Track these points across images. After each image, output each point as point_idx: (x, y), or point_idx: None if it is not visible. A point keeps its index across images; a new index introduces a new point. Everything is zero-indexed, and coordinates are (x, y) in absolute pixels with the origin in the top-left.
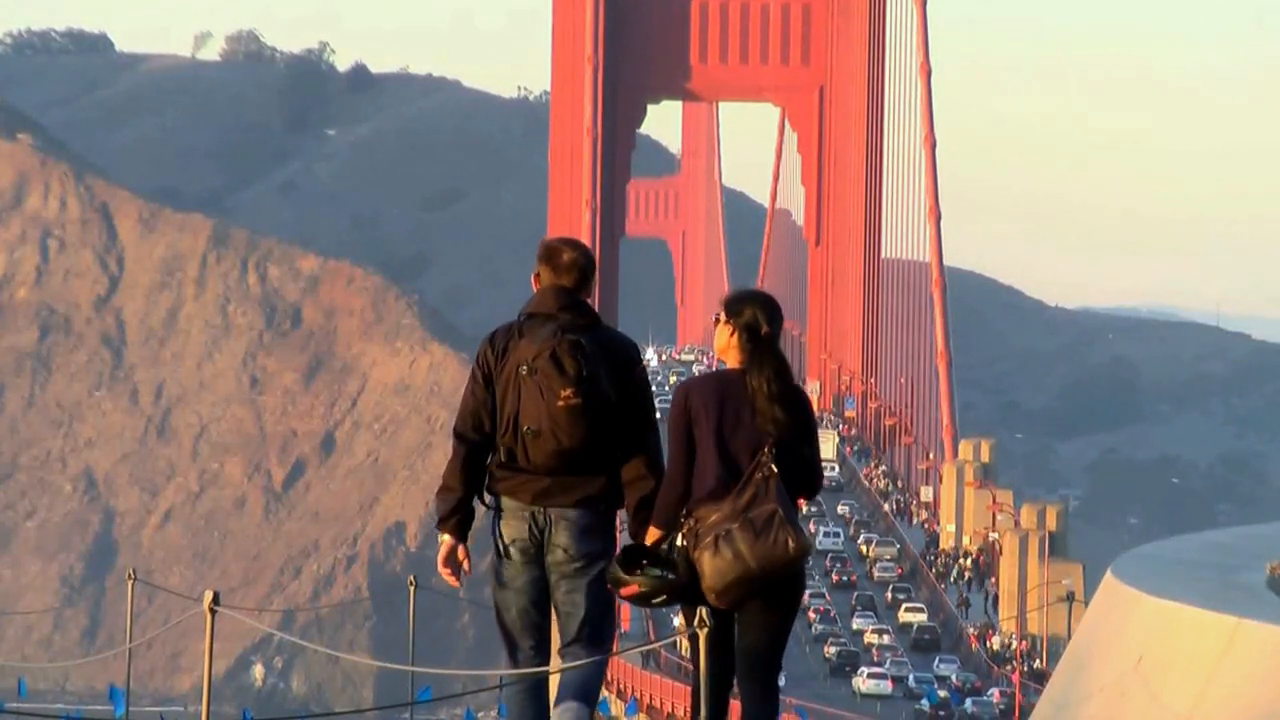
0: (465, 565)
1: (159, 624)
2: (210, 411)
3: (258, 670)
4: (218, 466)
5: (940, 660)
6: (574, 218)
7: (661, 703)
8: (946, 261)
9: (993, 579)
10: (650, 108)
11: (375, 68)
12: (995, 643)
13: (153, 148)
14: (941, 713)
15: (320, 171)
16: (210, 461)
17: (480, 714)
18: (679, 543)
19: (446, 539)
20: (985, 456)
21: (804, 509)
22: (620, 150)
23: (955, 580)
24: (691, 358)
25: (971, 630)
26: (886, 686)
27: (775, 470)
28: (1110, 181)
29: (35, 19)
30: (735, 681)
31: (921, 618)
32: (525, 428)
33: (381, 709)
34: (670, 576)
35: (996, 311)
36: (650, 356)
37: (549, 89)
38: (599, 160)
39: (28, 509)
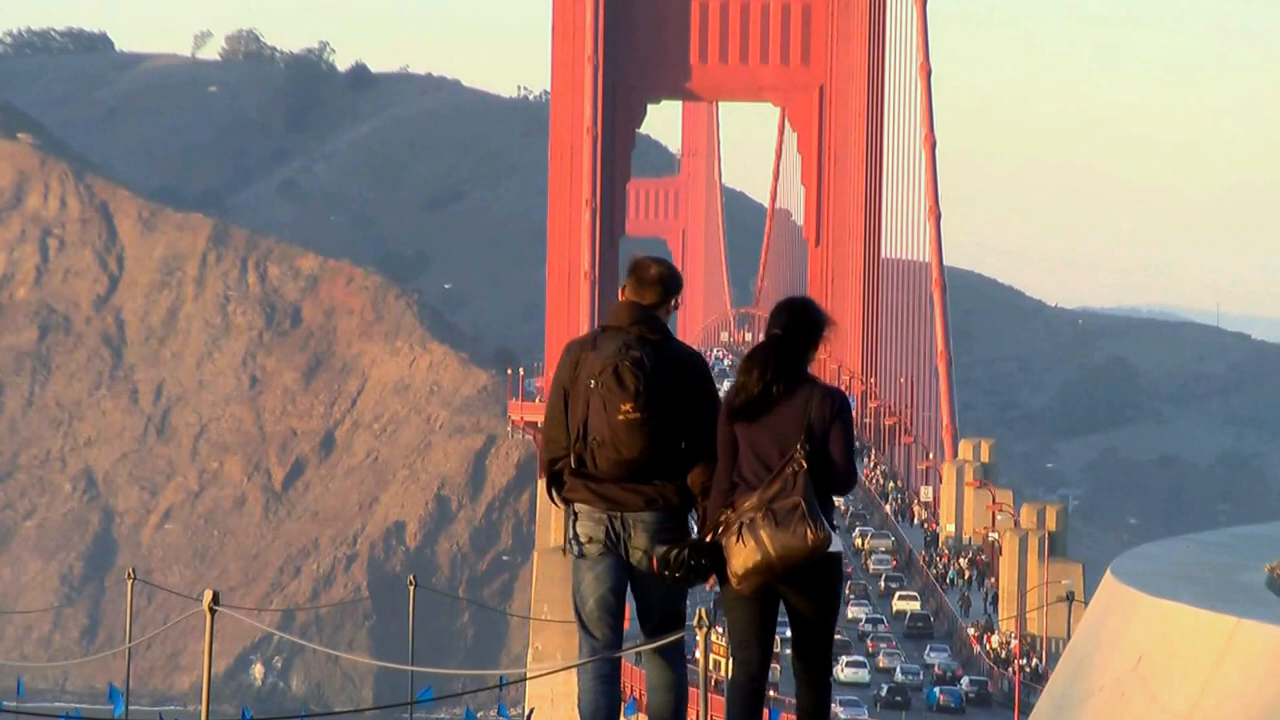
0: None
1: (158, 623)
2: (210, 411)
3: (257, 669)
4: (217, 466)
5: (931, 648)
6: (574, 217)
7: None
8: (946, 261)
9: (991, 579)
10: (650, 108)
11: (375, 68)
12: (994, 641)
13: (153, 148)
14: (898, 698)
15: (320, 171)
16: (210, 461)
17: (480, 714)
18: (719, 534)
19: None
20: (985, 456)
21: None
22: (620, 150)
23: (953, 581)
24: None
25: (972, 631)
26: (865, 675)
27: (805, 465)
28: (1111, 181)
29: (35, 19)
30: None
31: (915, 605)
32: (592, 437)
33: (381, 709)
34: (691, 558)
35: (996, 311)
36: None
37: (549, 89)
38: (599, 160)
39: (27, 508)
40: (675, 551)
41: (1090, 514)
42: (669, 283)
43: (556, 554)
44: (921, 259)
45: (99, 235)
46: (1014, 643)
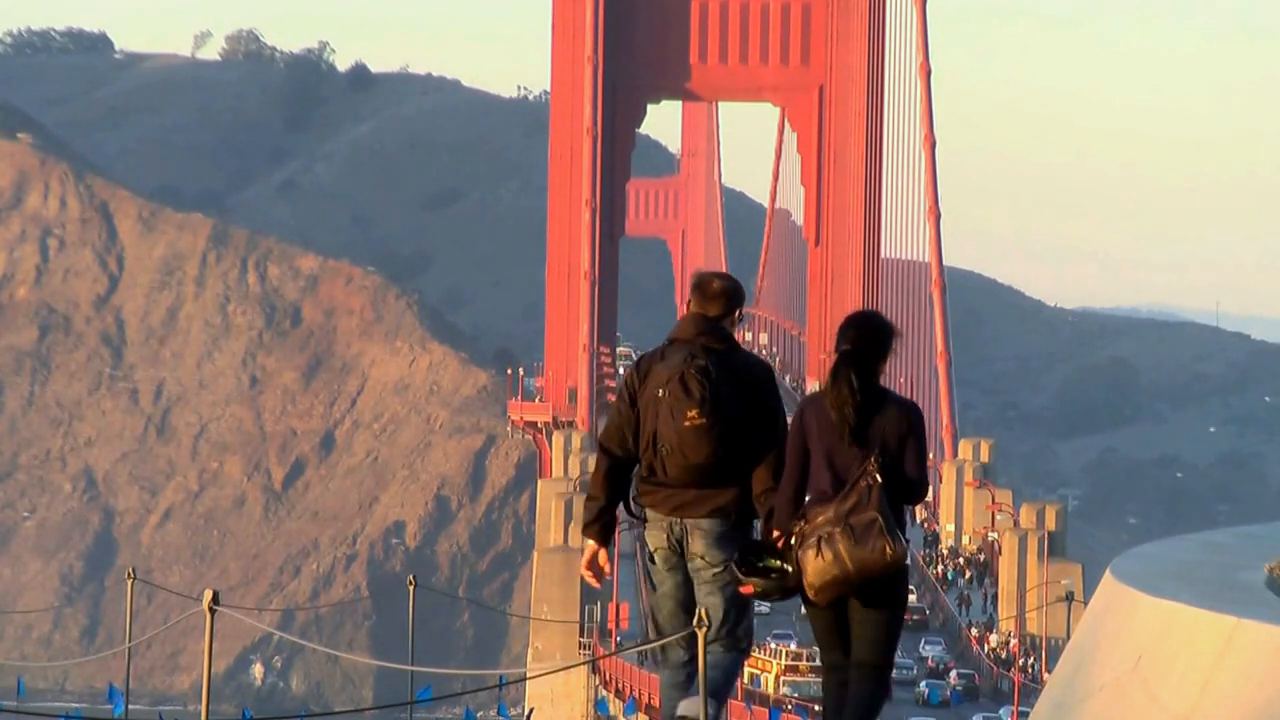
0: (606, 568)
1: (158, 623)
2: (210, 411)
3: (257, 669)
4: (217, 466)
5: (926, 641)
6: (574, 217)
7: (661, 702)
8: (946, 261)
9: (989, 579)
10: (650, 108)
11: (375, 68)
12: (993, 641)
13: (153, 148)
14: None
15: (320, 171)
16: (210, 461)
17: (480, 714)
18: (792, 543)
19: (590, 544)
20: (985, 456)
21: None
22: (620, 150)
23: (953, 580)
24: None
25: (974, 632)
26: None
27: (879, 480)
28: (1110, 181)
29: (35, 19)
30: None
31: (910, 598)
32: (661, 445)
33: (381, 709)
34: (776, 576)
35: (996, 311)
36: None
37: (549, 89)
38: (599, 160)
39: (28, 508)
40: (763, 585)
41: (1090, 514)
42: (732, 296)
43: (557, 554)
44: (921, 259)
45: (99, 235)
46: (1013, 642)
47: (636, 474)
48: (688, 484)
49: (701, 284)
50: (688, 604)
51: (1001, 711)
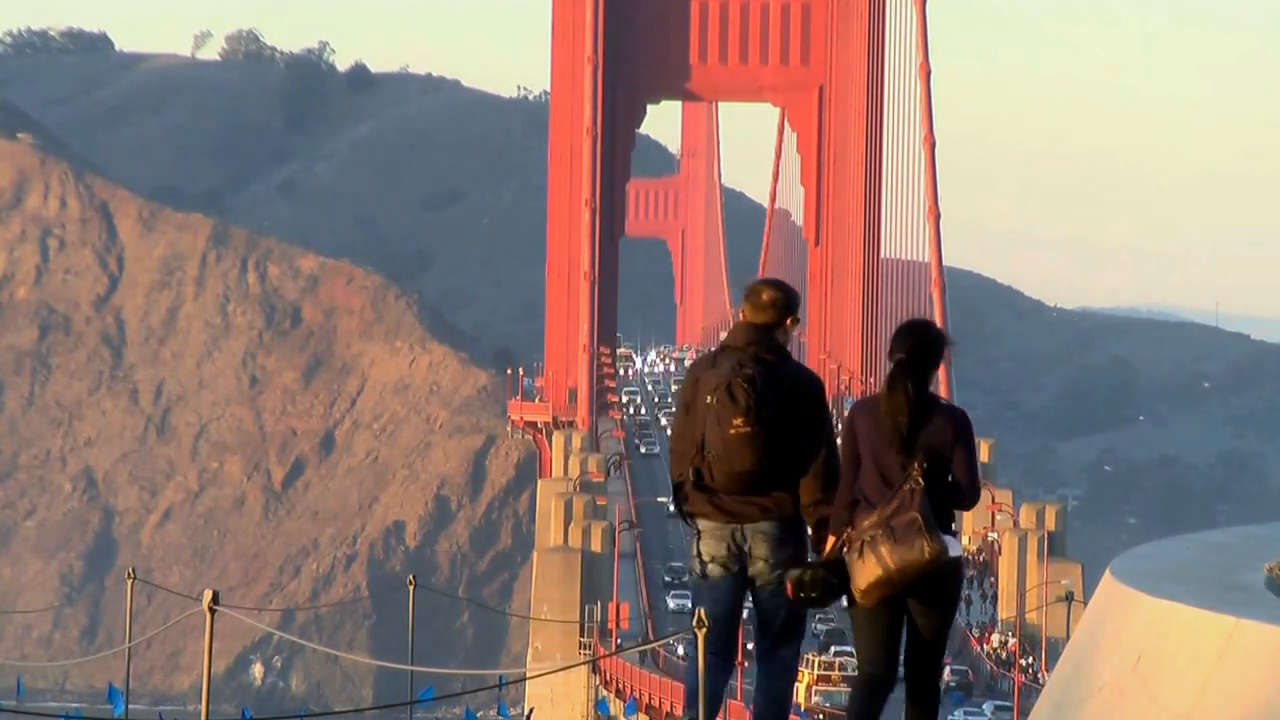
0: None
1: (158, 623)
2: (210, 411)
3: (257, 669)
4: (217, 466)
5: None
6: (574, 217)
7: (660, 702)
8: (946, 261)
9: (991, 579)
10: (650, 108)
11: (375, 68)
12: (994, 641)
13: (153, 148)
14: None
15: (320, 171)
16: (210, 461)
17: (480, 714)
18: (843, 551)
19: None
20: (984, 456)
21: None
22: (620, 150)
23: None
24: (686, 358)
25: (973, 632)
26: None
27: (922, 483)
28: (1110, 180)
29: (35, 19)
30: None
31: None
32: (709, 451)
33: (381, 709)
34: (822, 587)
35: (996, 311)
36: (652, 358)
37: (549, 89)
38: (599, 160)
39: (27, 508)
40: (809, 573)
41: (1089, 514)
42: (782, 306)
43: (556, 554)
44: (921, 259)
45: (99, 235)
46: (1012, 642)
47: (686, 478)
48: (734, 489)
49: (751, 294)
50: (733, 610)
51: (985, 706)
